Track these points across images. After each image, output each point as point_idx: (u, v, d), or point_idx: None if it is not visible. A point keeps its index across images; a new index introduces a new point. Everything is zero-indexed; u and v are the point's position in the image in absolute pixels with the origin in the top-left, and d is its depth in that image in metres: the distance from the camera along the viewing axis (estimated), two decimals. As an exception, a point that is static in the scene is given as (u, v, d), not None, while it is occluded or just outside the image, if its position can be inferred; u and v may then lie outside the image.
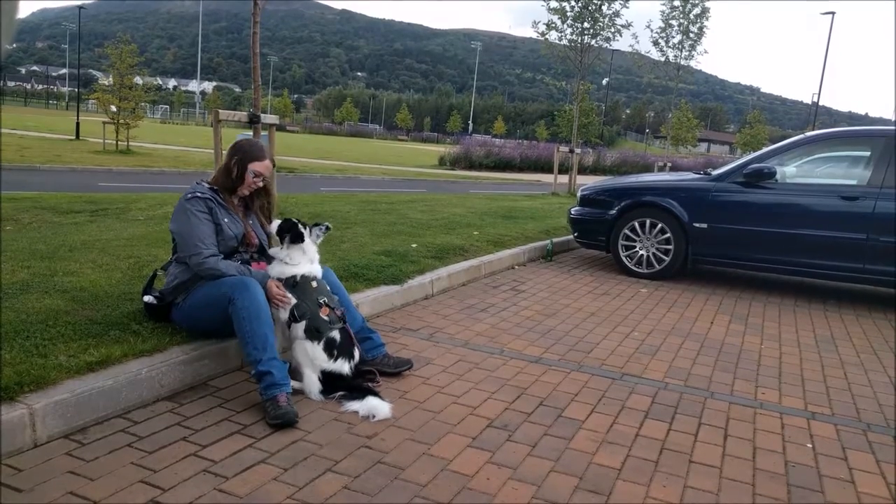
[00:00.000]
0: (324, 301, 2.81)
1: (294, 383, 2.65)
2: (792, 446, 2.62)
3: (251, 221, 3.07)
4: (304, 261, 2.87)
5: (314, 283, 2.85)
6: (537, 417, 2.70)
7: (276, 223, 2.93)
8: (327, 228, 2.97)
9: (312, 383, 2.71)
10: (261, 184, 3.03)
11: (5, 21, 0.78)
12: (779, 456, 2.52)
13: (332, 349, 2.74)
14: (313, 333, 2.73)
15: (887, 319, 5.03)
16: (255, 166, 2.95)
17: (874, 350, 4.14)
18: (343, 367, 2.76)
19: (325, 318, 2.77)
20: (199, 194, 2.85)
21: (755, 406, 3.03)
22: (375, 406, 2.57)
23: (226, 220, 2.88)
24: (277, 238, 2.92)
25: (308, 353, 2.71)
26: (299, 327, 2.74)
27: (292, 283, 2.81)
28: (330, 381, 2.73)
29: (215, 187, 2.94)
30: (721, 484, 2.26)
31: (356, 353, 2.85)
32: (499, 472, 2.22)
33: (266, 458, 2.18)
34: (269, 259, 2.97)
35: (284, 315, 2.76)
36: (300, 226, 2.87)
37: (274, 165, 3.10)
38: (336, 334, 2.77)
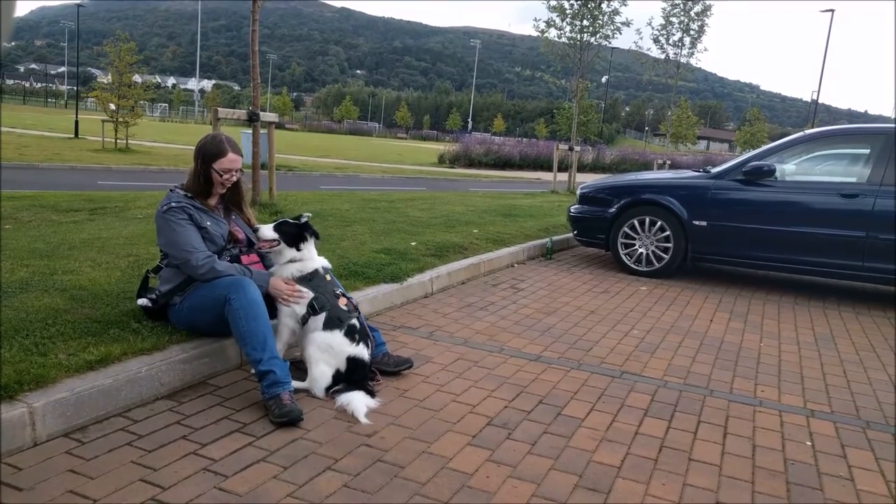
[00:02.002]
0: (340, 292, 2.86)
1: (295, 383, 2.65)
2: (791, 444, 2.62)
3: (233, 217, 3.05)
4: (315, 253, 2.90)
5: (328, 277, 2.89)
6: (537, 415, 2.71)
7: (268, 228, 2.86)
8: (308, 217, 2.95)
9: (323, 377, 2.69)
10: (235, 178, 2.94)
11: (4, 19, 0.78)
12: (778, 454, 2.53)
13: (353, 335, 2.76)
14: (335, 323, 2.74)
15: (886, 317, 5.04)
16: (219, 164, 2.87)
17: (873, 348, 4.15)
18: (363, 352, 2.76)
19: (344, 307, 2.81)
20: (174, 204, 2.82)
21: (754, 404, 3.04)
22: (353, 401, 2.57)
23: (208, 222, 2.86)
24: (280, 240, 2.87)
25: (329, 345, 2.70)
26: (318, 319, 2.75)
27: (308, 278, 2.83)
28: (351, 370, 2.71)
29: (190, 193, 2.89)
30: (720, 482, 2.27)
31: (370, 343, 2.88)
32: (498, 470, 2.22)
33: (266, 457, 2.18)
34: (259, 252, 2.96)
35: (301, 310, 2.77)
36: (299, 222, 2.87)
37: (241, 155, 2.97)
38: (356, 321, 2.81)
